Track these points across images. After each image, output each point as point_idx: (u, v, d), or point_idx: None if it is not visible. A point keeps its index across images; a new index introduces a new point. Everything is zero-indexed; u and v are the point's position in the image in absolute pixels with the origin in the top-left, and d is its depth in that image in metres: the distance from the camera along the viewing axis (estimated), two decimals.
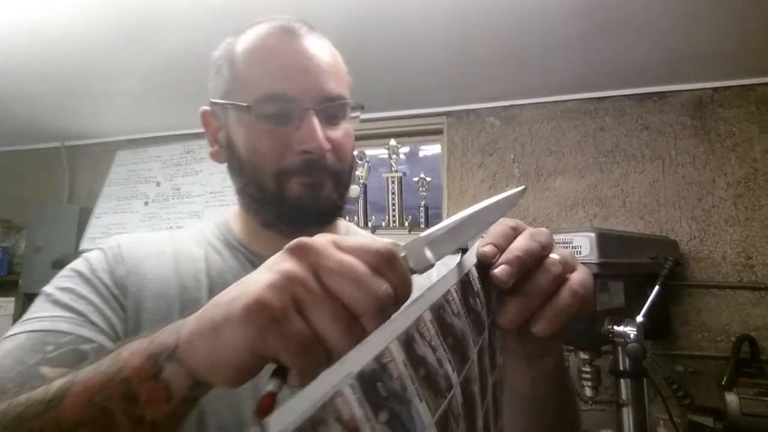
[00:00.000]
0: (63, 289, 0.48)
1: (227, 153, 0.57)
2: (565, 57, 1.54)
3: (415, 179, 2.05)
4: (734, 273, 1.56)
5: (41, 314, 0.45)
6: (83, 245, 2.31)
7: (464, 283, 0.29)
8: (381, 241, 0.27)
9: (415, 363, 0.22)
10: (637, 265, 1.32)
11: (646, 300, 1.16)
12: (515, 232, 0.33)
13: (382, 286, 0.25)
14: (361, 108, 0.58)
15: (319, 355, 0.24)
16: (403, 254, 0.28)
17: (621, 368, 1.16)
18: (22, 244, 2.49)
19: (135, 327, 0.48)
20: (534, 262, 0.32)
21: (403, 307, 0.24)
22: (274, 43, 0.54)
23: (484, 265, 0.31)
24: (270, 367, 0.25)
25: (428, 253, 0.28)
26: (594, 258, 1.18)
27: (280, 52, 0.53)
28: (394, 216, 2.04)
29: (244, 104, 0.52)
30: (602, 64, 1.58)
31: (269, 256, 0.55)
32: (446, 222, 0.30)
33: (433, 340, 0.24)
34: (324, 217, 0.56)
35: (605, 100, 1.81)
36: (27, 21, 1.40)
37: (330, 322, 0.24)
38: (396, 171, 2.05)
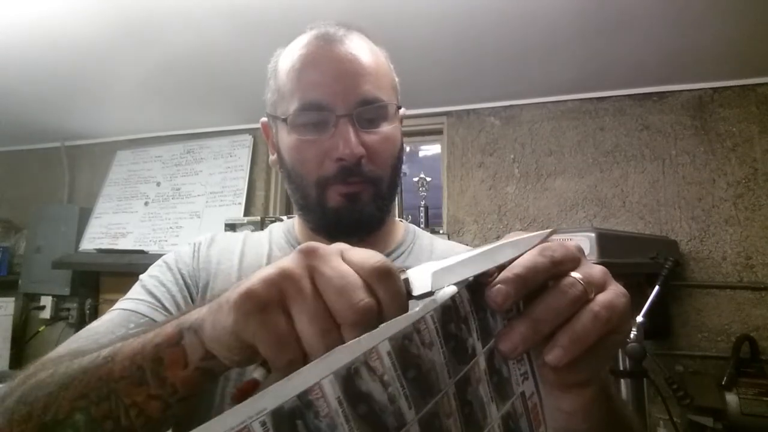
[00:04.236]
0: (151, 276, 0.57)
1: (279, 161, 0.59)
2: (565, 57, 1.54)
3: (415, 179, 2.05)
4: (734, 273, 1.56)
5: (132, 296, 0.55)
6: (83, 245, 2.32)
7: (446, 307, 0.26)
8: (380, 258, 0.27)
9: (355, 400, 0.21)
10: (637, 265, 1.32)
11: (646, 300, 1.16)
12: None
13: (364, 299, 0.25)
14: (399, 108, 0.58)
15: (292, 352, 0.25)
16: (404, 276, 0.28)
17: (621, 368, 1.17)
18: (22, 244, 2.49)
19: None
20: (542, 280, 0.28)
21: (354, 340, 0.23)
22: (309, 52, 0.54)
23: (482, 284, 0.28)
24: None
25: (429, 280, 0.27)
26: (594, 258, 1.18)
27: (314, 62, 0.53)
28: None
29: (282, 117, 0.55)
30: (602, 64, 1.58)
31: None
32: (459, 256, 0.28)
33: (387, 375, 0.23)
34: (361, 229, 0.56)
35: (605, 100, 1.81)
36: (27, 20, 1.40)
37: (308, 322, 0.25)
38: None
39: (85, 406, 0.32)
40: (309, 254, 0.27)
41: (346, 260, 0.27)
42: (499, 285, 0.27)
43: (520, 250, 0.28)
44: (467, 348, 0.27)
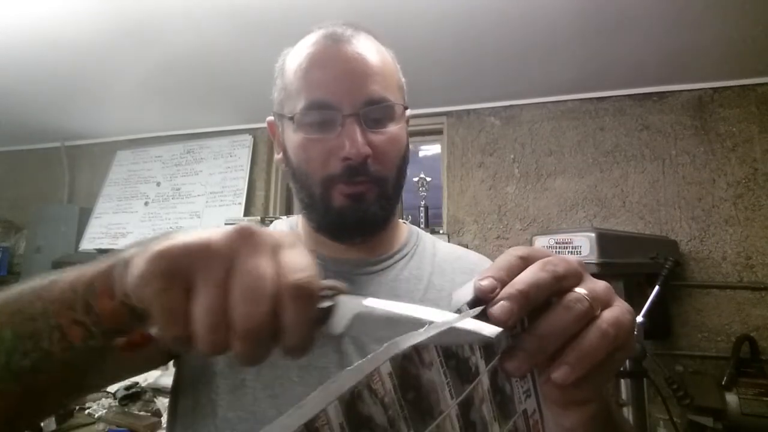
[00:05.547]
0: None
1: (285, 159, 0.59)
2: (565, 57, 1.54)
3: (415, 179, 2.05)
4: (734, 273, 1.56)
5: None
6: (83, 245, 2.32)
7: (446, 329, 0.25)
8: (308, 274, 0.25)
9: (356, 425, 0.21)
10: (637, 265, 1.32)
11: (646, 300, 1.16)
12: (524, 263, 0.28)
13: (258, 315, 0.23)
14: (405, 109, 0.58)
15: (179, 330, 0.24)
16: (328, 304, 0.25)
17: (621, 368, 1.16)
18: (22, 244, 2.49)
19: None
20: (544, 296, 0.27)
21: (357, 363, 0.21)
22: (316, 52, 0.54)
23: (483, 301, 0.27)
24: None
25: (346, 322, 0.25)
26: (594, 258, 1.18)
27: (322, 61, 0.53)
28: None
29: (289, 115, 0.55)
30: (602, 64, 1.58)
31: (325, 256, 0.59)
32: (393, 307, 0.25)
33: (387, 397, 0.22)
34: (365, 230, 0.56)
35: (605, 100, 1.81)
36: (27, 21, 1.40)
37: (202, 310, 0.24)
38: None
39: (17, 322, 0.32)
40: (243, 237, 0.26)
41: (280, 259, 0.25)
42: (501, 301, 0.26)
43: (452, 337, 0.24)
44: (470, 367, 0.27)
